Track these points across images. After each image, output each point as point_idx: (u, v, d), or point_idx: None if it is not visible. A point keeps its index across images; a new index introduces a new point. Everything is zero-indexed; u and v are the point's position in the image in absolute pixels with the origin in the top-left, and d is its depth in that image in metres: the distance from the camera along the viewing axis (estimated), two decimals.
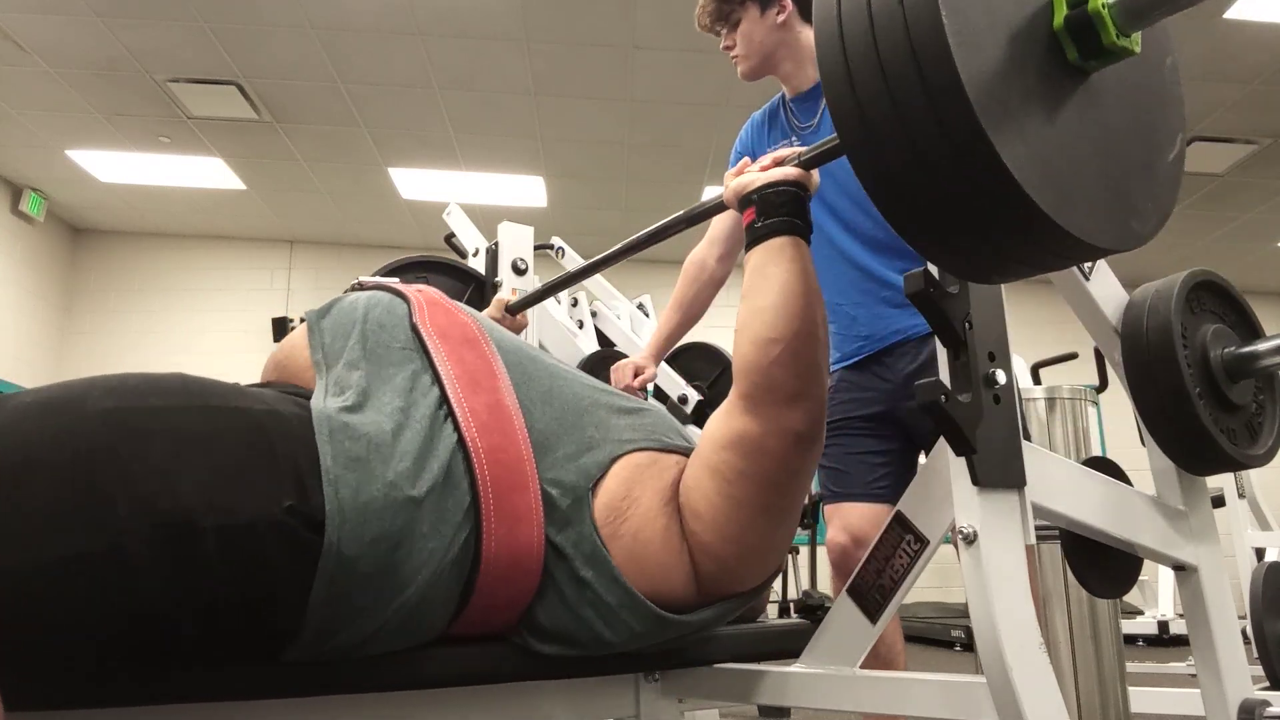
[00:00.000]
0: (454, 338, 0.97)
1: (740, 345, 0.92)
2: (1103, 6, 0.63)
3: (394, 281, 1.11)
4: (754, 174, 0.99)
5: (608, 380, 2.08)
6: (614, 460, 0.93)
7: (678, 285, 2.03)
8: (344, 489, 0.76)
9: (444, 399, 0.90)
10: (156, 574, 0.67)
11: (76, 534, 0.65)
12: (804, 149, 0.98)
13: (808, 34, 1.79)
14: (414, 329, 0.97)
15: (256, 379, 1.06)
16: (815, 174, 1.00)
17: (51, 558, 0.64)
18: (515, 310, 1.81)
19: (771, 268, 0.92)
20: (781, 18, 1.76)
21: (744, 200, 0.98)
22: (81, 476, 0.66)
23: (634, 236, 1.38)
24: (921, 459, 1.78)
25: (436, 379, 0.91)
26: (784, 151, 1.01)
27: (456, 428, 0.87)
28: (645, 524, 0.90)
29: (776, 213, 0.95)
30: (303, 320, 1.01)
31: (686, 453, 0.99)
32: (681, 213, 1.26)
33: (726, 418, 0.93)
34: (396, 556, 0.78)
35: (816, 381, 0.91)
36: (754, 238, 0.96)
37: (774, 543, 0.97)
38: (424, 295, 1.03)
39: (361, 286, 1.10)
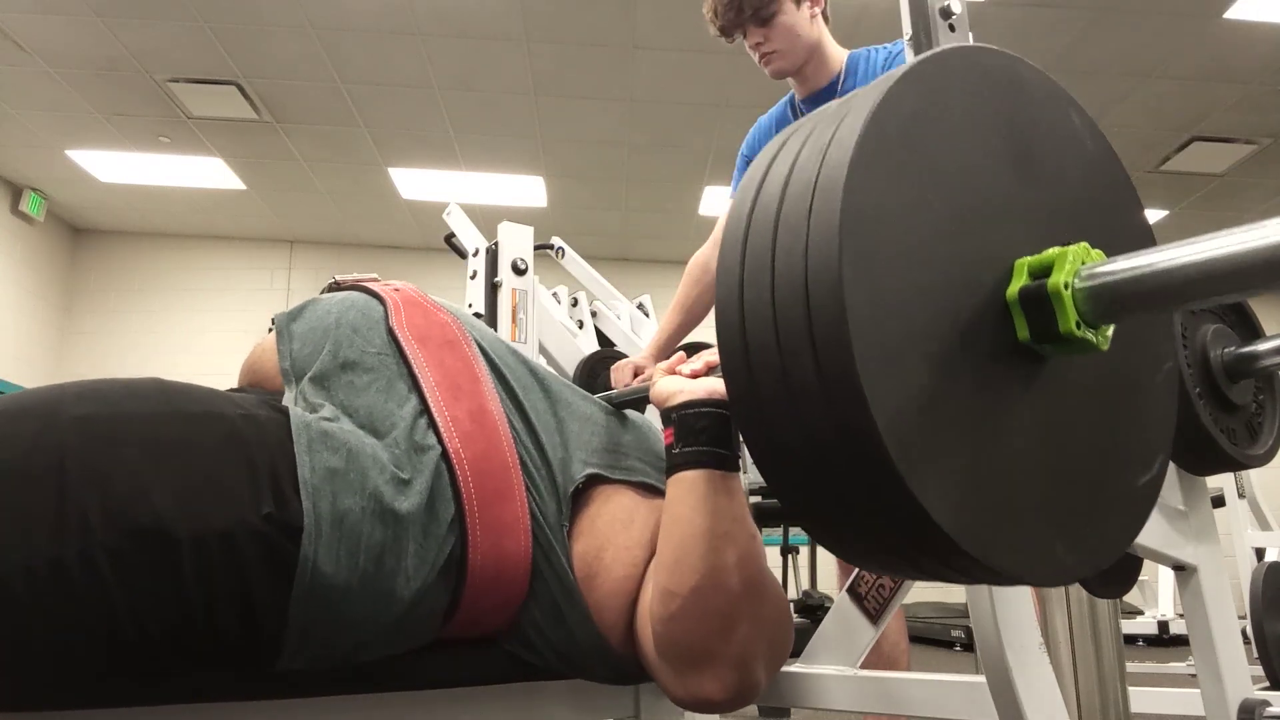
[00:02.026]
0: (433, 340, 0.93)
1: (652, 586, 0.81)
2: (1064, 287, 0.51)
3: (372, 279, 1.07)
4: (680, 381, 0.85)
5: (608, 380, 2.08)
6: (587, 483, 0.89)
7: (680, 287, 2.03)
8: (322, 501, 0.74)
9: (424, 408, 0.86)
10: (130, 584, 0.65)
11: (47, 542, 0.63)
12: None
13: (826, 31, 1.83)
14: (390, 332, 0.93)
15: None
16: None
17: (21, 568, 0.62)
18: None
19: (678, 508, 0.79)
20: (817, 9, 1.77)
21: (664, 416, 0.84)
22: (53, 484, 0.65)
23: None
24: None
25: (415, 387, 0.88)
26: (717, 357, 0.86)
27: (439, 438, 0.84)
28: (607, 609, 0.85)
29: (694, 440, 0.80)
30: (271, 329, 0.97)
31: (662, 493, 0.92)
32: (613, 392, 1.08)
33: (645, 633, 0.82)
34: (380, 571, 0.76)
35: (733, 642, 0.76)
36: (669, 466, 0.81)
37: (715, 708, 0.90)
38: (401, 295, 0.99)
39: (339, 286, 1.07)
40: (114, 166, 5.81)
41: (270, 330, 0.99)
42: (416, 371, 0.89)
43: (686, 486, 0.79)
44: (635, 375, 2.00)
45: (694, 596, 0.76)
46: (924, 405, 0.48)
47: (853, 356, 0.45)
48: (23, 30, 4.33)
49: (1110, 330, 0.53)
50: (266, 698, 0.81)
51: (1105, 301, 0.51)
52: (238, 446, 0.74)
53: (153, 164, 5.77)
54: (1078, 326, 0.51)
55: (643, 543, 0.87)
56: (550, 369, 1.03)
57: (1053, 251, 0.53)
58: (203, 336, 6.74)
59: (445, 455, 0.83)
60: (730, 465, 0.80)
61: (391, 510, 0.77)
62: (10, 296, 6.13)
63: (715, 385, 0.82)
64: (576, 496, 0.89)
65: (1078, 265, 0.52)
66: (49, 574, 0.63)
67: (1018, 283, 0.53)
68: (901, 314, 0.48)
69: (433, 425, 0.85)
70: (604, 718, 1.04)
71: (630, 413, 1.02)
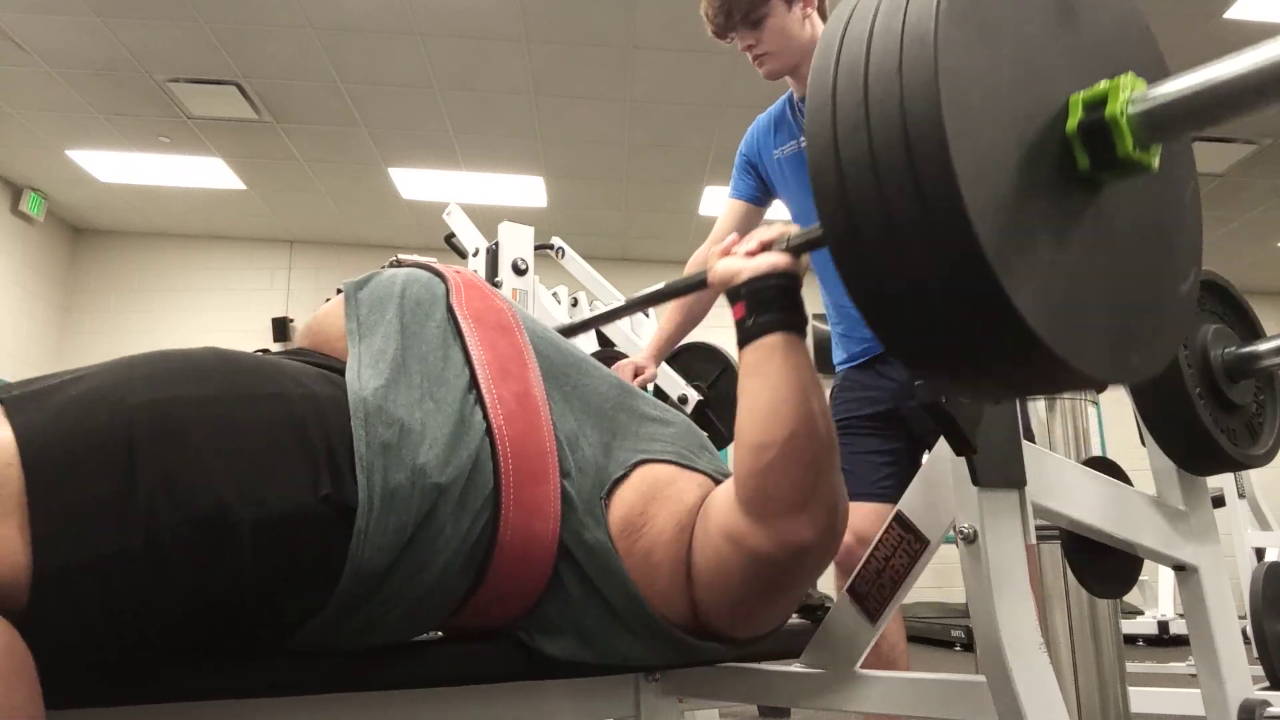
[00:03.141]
0: (488, 323, 0.97)
1: (736, 450, 0.86)
2: (1121, 113, 0.57)
3: (432, 260, 1.11)
4: (741, 261, 0.91)
5: None
6: (633, 467, 0.92)
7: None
8: (375, 475, 0.77)
9: (474, 384, 0.90)
10: (193, 570, 0.68)
11: (115, 532, 0.65)
12: (793, 232, 0.92)
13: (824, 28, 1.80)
14: (450, 310, 0.97)
15: None
16: (806, 258, 0.92)
17: (90, 558, 0.64)
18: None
19: (766, 367, 0.86)
20: (810, 10, 1.76)
21: (732, 293, 0.90)
22: (120, 473, 0.67)
23: (612, 306, 1.36)
24: (926, 456, 1.79)
25: (468, 363, 0.92)
26: (771, 233, 0.93)
27: (485, 415, 0.88)
28: (656, 547, 0.89)
29: (768, 309, 0.87)
30: (339, 291, 1.02)
31: (709, 474, 0.97)
32: (663, 285, 1.15)
33: (729, 511, 0.86)
34: (417, 540, 0.79)
35: (822, 486, 0.84)
36: (745, 336, 0.88)
37: (771, 617, 0.95)
38: (462, 276, 1.03)
39: (400, 263, 1.11)
40: (114, 166, 5.81)
41: (291, 326, 1.02)
42: (470, 349, 0.93)
43: (768, 349, 0.86)
44: (635, 375, 2.00)
45: (790, 444, 0.82)
46: (1009, 218, 0.54)
47: (956, 180, 0.51)
48: (23, 30, 4.33)
49: (1158, 152, 0.59)
50: (266, 696, 0.81)
51: (1156, 123, 0.57)
52: (297, 428, 0.77)
53: (153, 164, 5.76)
54: (1134, 149, 0.57)
55: (685, 494, 0.92)
56: (602, 365, 1.07)
57: (1104, 84, 0.58)
58: (203, 336, 6.73)
59: (489, 431, 0.87)
60: (802, 330, 0.88)
61: (435, 484, 0.80)
62: (10, 296, 6.12)
63: (776, 260, 0.89)
64: (618, 478, 0.92)
65: (1129, 93, 0.57)
66: (116, 565, 0.65)
67: (1075, 117, 0.59)
68: (988, 150, 0.54)
69: (480, 402, 0.89)
70: (604, 718, 1.04)
71: (668, 411, 1.05)
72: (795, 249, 0.90)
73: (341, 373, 0.86)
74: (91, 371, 0.75)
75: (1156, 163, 0.59)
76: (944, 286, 0.54)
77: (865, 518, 1.69)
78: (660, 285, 1.14)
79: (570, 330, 1.58)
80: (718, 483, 0.95)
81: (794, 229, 0.91)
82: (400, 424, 0.81)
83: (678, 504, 0.91)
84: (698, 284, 1.04)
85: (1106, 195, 0.61)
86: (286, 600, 0.75)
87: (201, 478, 0.70)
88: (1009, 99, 0.56)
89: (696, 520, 0.91)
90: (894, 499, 1.77)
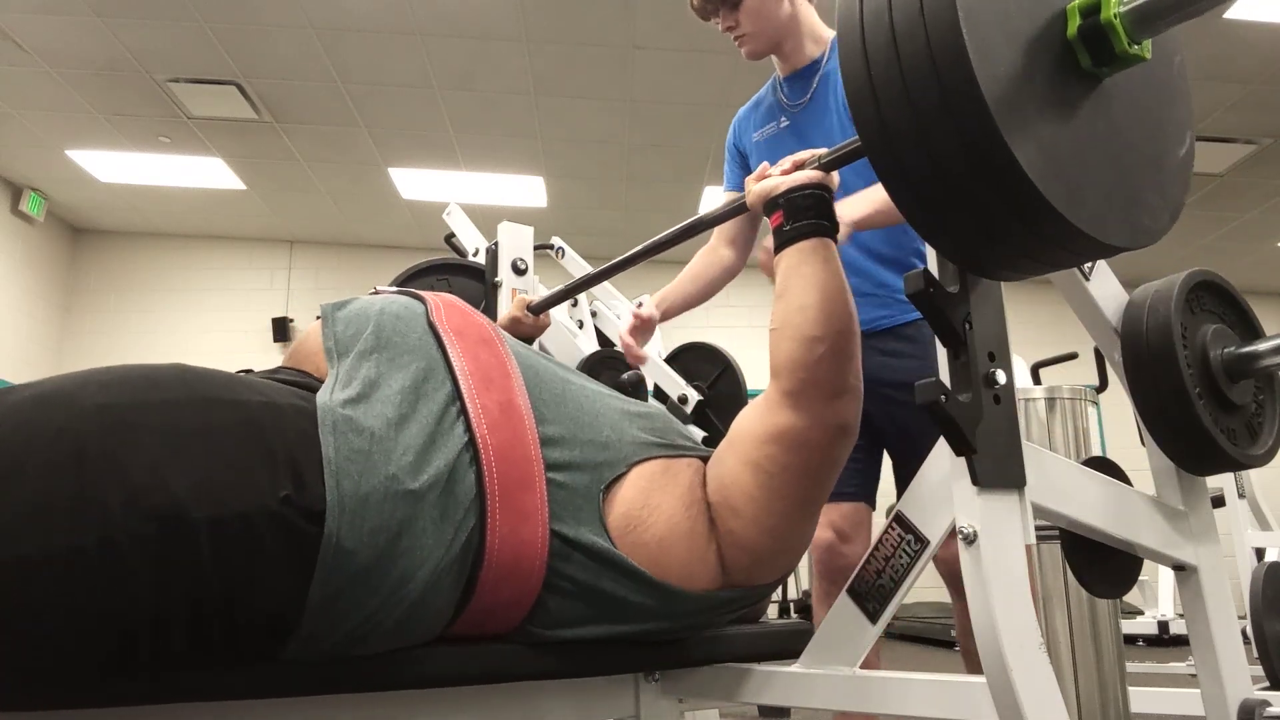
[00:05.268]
0: (470, 336, 0.98)
1: (782, 343, 0.94)
2: (1115, 16, 0.65)
3: (410, 291, 1.13)
4: (777, 178, 1.00)
5: (607, 381, 2.07)
6: (630, 466, 0.95)
7: (692, 261, 2.00)
8: (345, 480, 0.76)
9: (456, 394, 0.90)
10: (149, 569, 0.67)
11: (67, 530, 0.65)
12: (824, 151, 1.00)
13: (806, 10, 1.81)
14: (430, 326, 0.98)
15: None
16: (836, 174, 1.01)
17: (42, 554, 0.64)
18: (538, 310, 1.80)
19: (806, 268, 0.94)
20: None
21: (770, 204, 1.00)
22: (72, 472, 0.66)
23: (656, 237, 1.36)
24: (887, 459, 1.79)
25: (450, 374, 0.92)
26: (803, 154, 1.02)
27: (467, 424, 0.88)
28: (669, 529, 0.92)
29: (804, 216, 0.97)
30: (319, 318, 1.03)
31: (693, 454, 1.01)
32: (703, 214, 1.25)
33: (767, 413, 0.94)
34: (397, 550, 0.78)
35: (856, 374, 0.95)
36: (784, 240, 0.98)
37: (804, 534, 1.00)
38: (440, 298, 1.05)
39: (378, 293, 1.11)
40: (114, 166, 5.81)
41: (291, 326, 1.03)
42: (452, 360, 0.93)
43: (808, 251, 0.96)
44: (639, 325, 1.91)
45: (840, 338, 0.92)
46: (1016, 98, 0.62)
47: (971, 67, 0.60)
48: (23, 30, 4.33)
49: (1149, 44, 0.68)
50: (265, 696, 0.81)
51: (1145, 20, 0.66)
52: (255, 432, 0.76)
53: (153, 164, 5.77)
54: (1130, 45, 0.66)
55: (681, 475, 0.97)
56: (586, 376, 1.10)
57: None
58: (203, 336, 6.74)
59: (472, 440, 0.87)
60: (835, 237, 0.98)
61: (409, 491, 0.80)
62: (10, 296, 6.13)
63: (811, 174, 0.99)
64: (618, 474, 0.94)
65: None
66: (69, 562, 0.64)
67: (1074, 24, 0.67)
68: (998, 47, 0.62)
69: (463, 412, 0.89)
70: (604, 718, 1.04)
71: (647, 406, 1.08)
72: (828, 165, 0.99)
73: (313, 390, 0.86)
74: (48, 379, 0.75)
75: (1149, 53, 0.67)
76: (961, 158, 0.62)
77: (843, 516, 1.74)
78: (699, 215, 1.23)
79: (615, 267, 1.52)
80: (704, 460, 1.01)
81: (822, 151, 1.00)
82: (371, 433, 0.81)
83: (677, 486, 0.95)
84: (737, 209, 1.14)
85: (1107, 84, 0.70)
86: (255, 607, 0.73)
87: (154, 475, 0.69)
88: (1015, 13, 0.65)
89: (709, 469, 0.98)
90: (861, 499, 1.80)
